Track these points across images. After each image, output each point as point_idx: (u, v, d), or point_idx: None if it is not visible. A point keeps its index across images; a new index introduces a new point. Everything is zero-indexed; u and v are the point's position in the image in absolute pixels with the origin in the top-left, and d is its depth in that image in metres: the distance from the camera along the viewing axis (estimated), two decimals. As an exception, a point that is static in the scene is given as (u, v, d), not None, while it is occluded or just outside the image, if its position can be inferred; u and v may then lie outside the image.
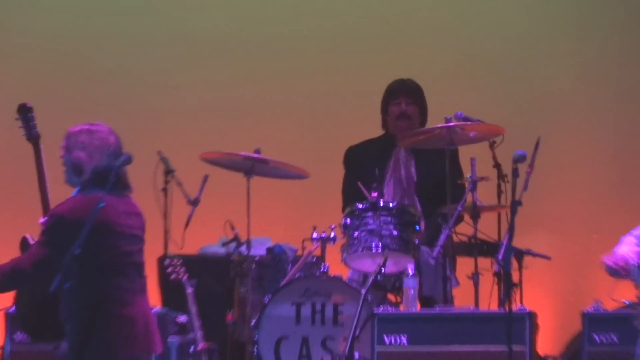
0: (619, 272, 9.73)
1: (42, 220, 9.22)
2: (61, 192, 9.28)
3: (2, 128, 11.47)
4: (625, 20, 14.36)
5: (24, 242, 9.67)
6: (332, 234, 10.87)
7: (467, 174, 10.66)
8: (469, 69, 14.01)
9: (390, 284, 10.91)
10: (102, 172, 8.47)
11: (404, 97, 11.50)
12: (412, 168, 11.60)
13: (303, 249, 11.24)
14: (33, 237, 9.52)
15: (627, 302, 10.25)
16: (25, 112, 9.86)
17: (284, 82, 14.11)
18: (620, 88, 14.28)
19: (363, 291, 10.04)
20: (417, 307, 10.42)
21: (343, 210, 11.29)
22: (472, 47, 14.21)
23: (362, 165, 11.55)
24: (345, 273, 11.10)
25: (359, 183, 11.42)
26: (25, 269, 8.48)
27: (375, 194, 10.79)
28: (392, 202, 10.89)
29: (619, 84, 14.30)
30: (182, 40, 14.67)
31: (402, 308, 10.55)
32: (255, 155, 10.84)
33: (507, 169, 10.22)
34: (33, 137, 9.80)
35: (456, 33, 14.27)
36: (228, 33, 14.67)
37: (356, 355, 10.00)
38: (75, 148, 8.52)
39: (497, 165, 10.70)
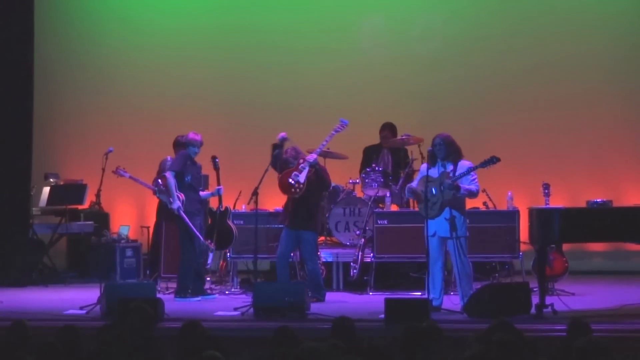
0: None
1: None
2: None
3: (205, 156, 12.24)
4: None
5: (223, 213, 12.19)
6: (358, 180, 13.12)
7: (411, 157, 13.12)
8: (420, 101, 14.93)
9: (379, 199, 13.01)
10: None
11: (384, 129, 13.48)
12: (388, 157, 13.47)
13: (346, 186, 13.37)
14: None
15: None
16: (214, 158, 12.04)
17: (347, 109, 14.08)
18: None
19: (369, 202, 12.73)
20: (391, 208, 12.92)
21: (360, 170, 13.27)
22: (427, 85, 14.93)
23: (369, 155, 13.53)
24: (362, 195, 13.13)
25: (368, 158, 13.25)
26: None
27: (375, 165, 13.06)
28: (380, 168, 12.99)
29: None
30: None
31: (384, 209, 12.90)
32: (328, 150, 12.76)
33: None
34: (216, 167, 11.97)
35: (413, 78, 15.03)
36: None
37: (367, 227, 12.45)
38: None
39: (420, 153, 12.88)
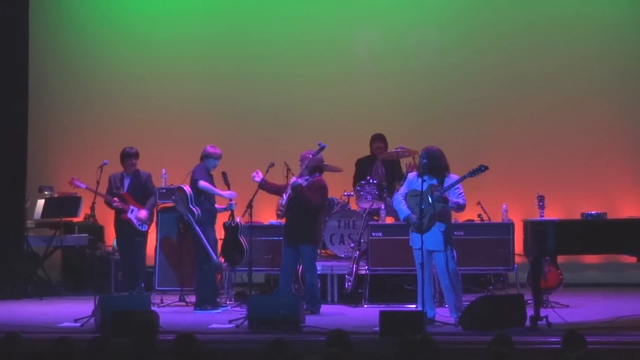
0: None
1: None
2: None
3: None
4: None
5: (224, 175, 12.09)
6: (352, 193, 13.28)
7: (407, 170, 12.75)
8: (412, 114, 14.86)
9: (374, 212, 13.04)
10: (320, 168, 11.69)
11: (376, 140, 13.61)
12: (382, 169, 13.51)
13: (341, 199, 13.46)
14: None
15: None
16: (224, 174, 12.15)
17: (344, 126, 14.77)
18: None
19: (364, 215, 12.79)
20: (386, 221, 12.92)
21: (353, 185, 13.40)
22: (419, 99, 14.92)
23: (362, 167, 13.62)
24: (357, 208, 13.22)
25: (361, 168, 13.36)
26: (319, 204, 11.46)
27: (369, 177, 13.15)
28: (375, 180, 13.05)
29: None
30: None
31: (378, 221, 12.94)
32: (324, 164, 12.21)
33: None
34: (227, 182, 12.04)
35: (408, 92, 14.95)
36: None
37: (362, 240, 12.48)
38: (314, 162, 11.53)
39: (415, 165, 12.44)
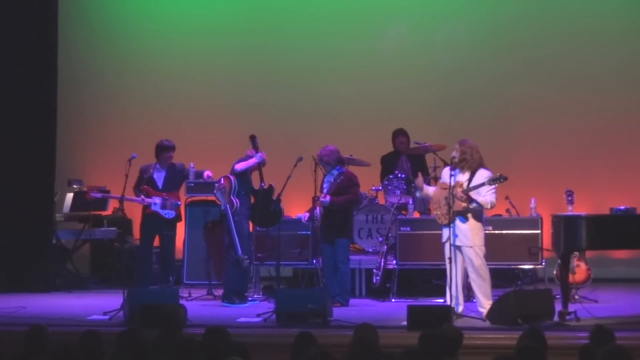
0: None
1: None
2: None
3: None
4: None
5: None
6: (380, 187, 13.20)
7: (434, 164, 13.05)
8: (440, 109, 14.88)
9: (402, 206, 13.02)
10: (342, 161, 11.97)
11: (399, 135, 13.56)
12: (408, 164, 13.54)
13: (369, 193, 13.32)
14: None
15: None
16: (253, 138, 12.26)
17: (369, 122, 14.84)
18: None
19: (392, 209, 12.77)
20: (414, 215, 12.87)
21: (381, 179, 13.39)
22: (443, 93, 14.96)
23: (387, 163, 13.65)
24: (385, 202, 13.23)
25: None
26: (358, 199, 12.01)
27: (397, 172, 13.17)
28: (403, 175, 13.04)
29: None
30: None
31: (406, 216, 12.93)
32: (350, 157, 13.17)
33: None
34: (255, 143, 12.14)
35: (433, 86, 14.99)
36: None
37: (390, 234, 12.44)
38: (332, 156, 11.76)
39: (442, 160, 12.72)
